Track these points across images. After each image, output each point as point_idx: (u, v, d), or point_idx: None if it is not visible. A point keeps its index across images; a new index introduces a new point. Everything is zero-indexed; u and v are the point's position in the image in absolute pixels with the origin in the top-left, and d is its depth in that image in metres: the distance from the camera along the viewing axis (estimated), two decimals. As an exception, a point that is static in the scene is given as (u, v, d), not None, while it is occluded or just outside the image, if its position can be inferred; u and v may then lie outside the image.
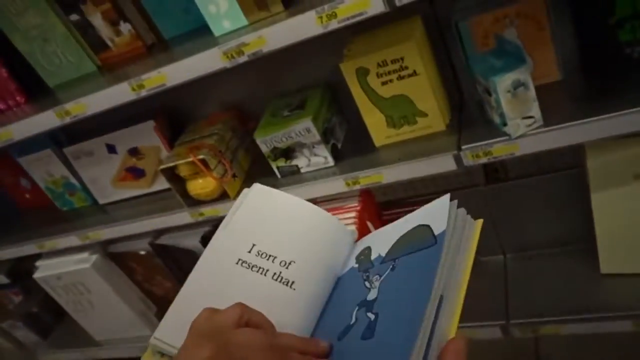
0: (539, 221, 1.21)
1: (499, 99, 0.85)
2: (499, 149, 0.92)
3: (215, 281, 0.57)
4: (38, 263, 1.55)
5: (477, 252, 1.34)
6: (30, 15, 1.07)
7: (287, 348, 0.48)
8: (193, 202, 1.21)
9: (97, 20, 1.08)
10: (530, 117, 0.88)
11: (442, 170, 0.97)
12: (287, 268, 0.57)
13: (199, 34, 1.02)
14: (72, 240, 1.40)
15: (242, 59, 0.85)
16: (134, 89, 0.95)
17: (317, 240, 0.61)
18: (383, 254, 0.56)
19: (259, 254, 0.58)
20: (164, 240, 1.41)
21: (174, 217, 1.25)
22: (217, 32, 0.91)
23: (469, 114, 1.03)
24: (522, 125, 0.88)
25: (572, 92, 0.95)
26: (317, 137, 1.06)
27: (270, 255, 0.58)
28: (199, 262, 0.59)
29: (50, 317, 1.90)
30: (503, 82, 0.84)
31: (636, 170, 0.97)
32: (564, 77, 0.97)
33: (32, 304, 1.85)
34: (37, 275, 1.52)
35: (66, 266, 1.47)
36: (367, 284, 0.54)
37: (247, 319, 0.49)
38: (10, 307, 1.91)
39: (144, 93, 0.95)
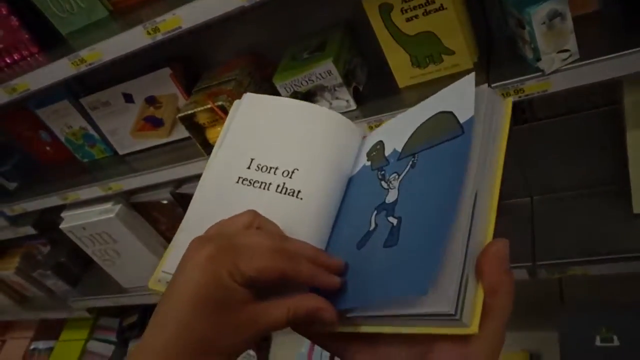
0: (567, 162, 1.18)
1: (533, 31, 0.80)
2: (531, 86, 0.88)
3: (217, 205, 0.51)
4: (63, 214, 1.57)
5: (504, 195, 1.32)
6: (37, -42, 1.03)
7: (298, 254, 0.43)
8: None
9: (107, -38, 1.03)
10: (566, 50, 0.83)
11: (469, 111, 0.93)
12: (290, 177, 0.51)
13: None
14: (94, 191, 1.41)
15: (261, -4, 0.81)
16: (149, 33, 0.92)
17: (320, 140, 0.54)
18: (399, 149, 0.48)
19: (258, 168, 0.52)
20: (186, 189, 1.41)
21: (194, 165, 1.24)
22: (232, -31, 0.86)
23: (498, 51, 0.98)
24: (557, 60, 0.84)
25: (610, 24, 0.89)
26: (339, 80, 1.02)
27: (270, 167, 0.52)
28: (197, 189, 0.53)
29: (79, 266, 1.95)
30: (539, 13, 0.79)
31: (676, 106, 0.92)
32: (602, 6, 0.91)
33: (60, 254, 1.90)
34: (62, 226, 1.54)
35: (91, 217, 1.49)
36: (384, 184, 0.48)
37: (259, 224, 0.45)
38: (39, 258, 1.97)
39: (159, 37, 0.92)
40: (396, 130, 0.51)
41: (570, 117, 1.15)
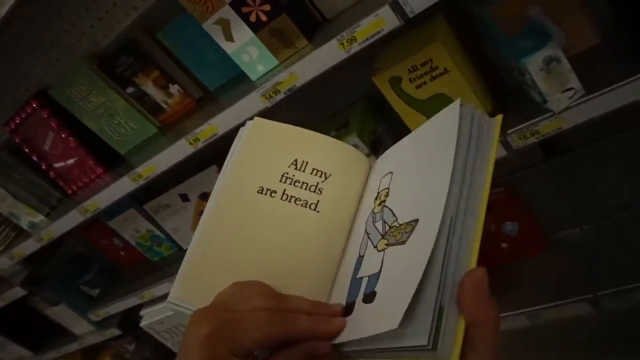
0: (609, 186, 1.17)
1: (534, 78, 0.86)
2: (546, 127, 0.92)
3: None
4: (142, 312, 1.69)
5: (553, 229, 1.30)
6: (94, 96, 1.21)
7: (295, 312, 0.44)
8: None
9: (150, 88, 1.19)
10: (570, 89, 0.87)
11: (493, 158, 0.97)
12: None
13: (240, 79, 1.10)
14: (166, 287, 1.52)
15: (280, 96, 0.92)
16: (191, 143, 1.04)
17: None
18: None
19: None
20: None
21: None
22: (253, 77, 0.98)
23: (512, 98, 1.03)
24: (564, 99, 0.88)
25: (612, 54, 0.93)
26: (366, 150, 1.10)
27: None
28: (206, 212, 0.54)
29: (164, 359, 2.05)
30: (533, 62, 0.84)
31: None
32: (601, 39, 0.95)
33: (145, 350, 2.01)
34: (142, 323, 1.66)
35: (166, 311, 1.60)
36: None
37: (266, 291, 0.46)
38: (127, 356, 2.09)
39: (200, 145, 1.04)
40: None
41: (605, 142, 1.16)
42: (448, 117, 0.46)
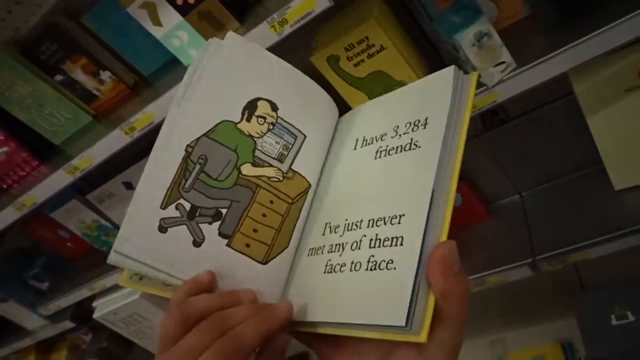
0: (546, 154, 1.21)
1: (466, 53, 0.86)
2: (481, 100, 0.93)
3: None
4: (94, 303, 1.66)
5: (492, 199, 1.33)
6: (20, 86, 1.14)
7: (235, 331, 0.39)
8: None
9: (80, 75, 1.13)
10: (502, 63, 0.88)
11: (433, 133, 0.98)
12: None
13: (175, 63, 1.06)
14: (117, 277, 1.49)
15: (215, 81, 0.89)
16: (126, 133, 1.00)
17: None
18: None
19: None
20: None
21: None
22: (186, 62, 0.95)
23: (448, 72, 1.03)
24: (497, 73, 0.89)
25: (541, 25, 0.94)
26: (309, 131, 1.09)
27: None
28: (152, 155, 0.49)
29: (121, 347, 2.03)
30: (466, 37, 0.85)
31: (625, 85, 0.96)
32: (531, 11, 0.97)
33: (102, 340, 1.98)
34: (96, 315, 1.62)
35: (119, 301, 1.57)
36: None
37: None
38: (84, 347, 2.06)
39: (137, 134, 1.00)
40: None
41: (538, 111, 1.20)
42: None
